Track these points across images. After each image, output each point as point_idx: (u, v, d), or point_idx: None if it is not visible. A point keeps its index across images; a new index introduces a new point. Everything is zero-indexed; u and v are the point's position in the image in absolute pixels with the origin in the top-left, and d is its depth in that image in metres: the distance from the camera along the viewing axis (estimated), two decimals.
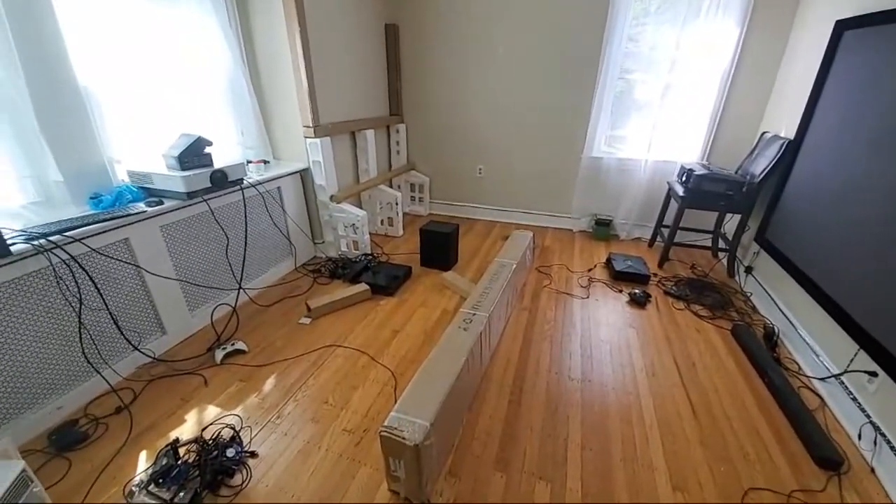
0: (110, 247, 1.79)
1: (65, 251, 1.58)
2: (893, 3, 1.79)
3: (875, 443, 1.52)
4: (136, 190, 1.98)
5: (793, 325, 2.19)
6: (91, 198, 1.87)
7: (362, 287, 2.61)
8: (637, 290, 2.65)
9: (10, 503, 1.09)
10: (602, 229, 3.65)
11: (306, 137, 2.81)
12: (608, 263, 3.07)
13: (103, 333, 1.81)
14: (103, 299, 1.77)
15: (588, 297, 2.69)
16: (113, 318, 1.82)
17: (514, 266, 2.45)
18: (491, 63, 3.54)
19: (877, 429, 1.54)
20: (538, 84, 3.47)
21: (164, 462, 1.39)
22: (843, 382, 1.77)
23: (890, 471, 1.45)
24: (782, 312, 2.30)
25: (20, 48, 1.57)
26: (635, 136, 3.42)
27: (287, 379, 1.93)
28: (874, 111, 1.80)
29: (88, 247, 1.68)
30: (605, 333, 2.31)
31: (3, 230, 1.42)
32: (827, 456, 1.52)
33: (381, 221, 3.75)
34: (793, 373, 2.00)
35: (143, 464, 1.50)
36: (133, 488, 1.35)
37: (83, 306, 1.70)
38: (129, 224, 1.82)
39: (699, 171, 2.74)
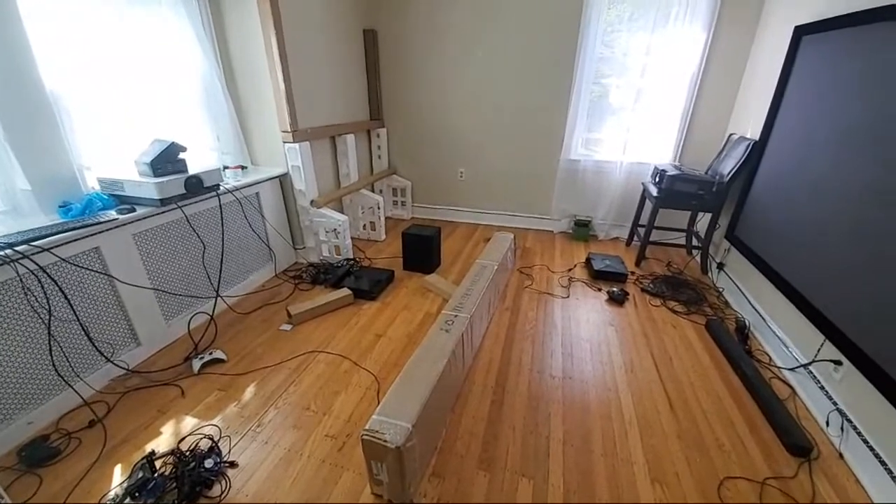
0: (80, 256, 1.74)
1: (32, 261, 1.53)
2: (845, 10, 1.89)
3: (842, 429, 1.59)
4: (107, 197, 1.93)
5: (763, 318, 2.27)
6: (60, 206, 1.82)
7: (344, 292, 2.60)
8: (615, 289, 2.71)
9: None
10: (581, 230, 3.72)
11: (285, 142, 2.78)
12: (587, 263, 3.13)
13: (74, 345, 1.76)
14: (74, 310, 1.72)
15: (568, 297, 2.73)
16: (84, 330, 1.77)
17: (496, 267, 2.48)
18: (469, 68, 3.58)
19: (843, 415, 1.60)
20: (516, 88, 3.53)
21: (139, 475, 1.36)
22: (811, 372, 1.84)
23: (857, 455, 1.51)
24: (752, 306, 2.38)
25: None
26: (611, 138, 3.50)
27: (267, 386, 1.91)
28: (832, 112, 1.89)
29: (57, 256, 1.63)
30: (585, 332, 2.35)
31: None
32: (797, 443, 1.58)
33: (363, 226, 3.74)
34: (764, 364, 2.07)
35: (118, 478, 1.46)
36: (108, 503, 1.31)
37: (53, 318, 1.64)
38: (99, 232, 1.77)
39: (671, 171, 2.83)
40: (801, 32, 2.23)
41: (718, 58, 2.99)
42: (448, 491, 1.42)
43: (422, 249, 3.00)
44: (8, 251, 1.45)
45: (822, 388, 1.76)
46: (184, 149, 2.09)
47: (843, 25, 1.89)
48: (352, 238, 3.24)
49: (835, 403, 1.67)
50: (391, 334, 2.31)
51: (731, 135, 3.00)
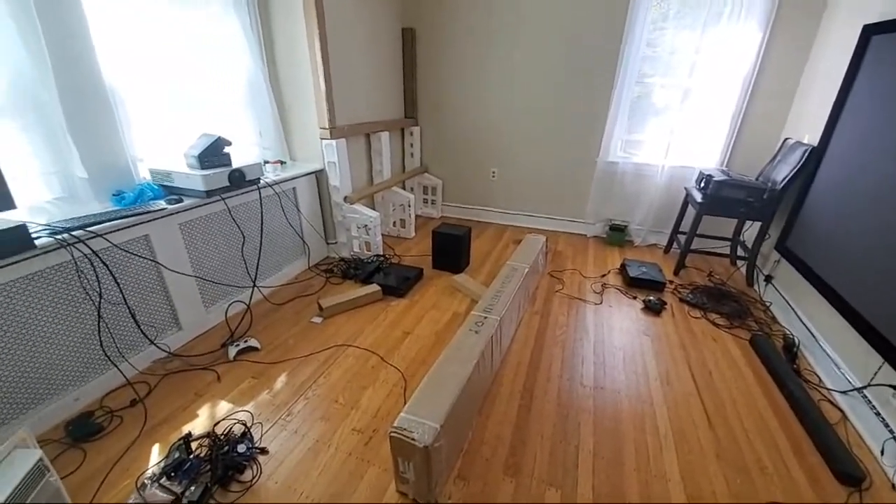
0: (131, 243, 1.83)
1: (87, 245, 1.62)
2: None
3: None
4: (157, 188, 2.02)
5: (813, 336, 2.13)
6: (114, 195, 1.92)
7: (374, 288, 2.62)
8: (652, 297, 2.61)
9: (25, 497, 1.11)
10: (616, 235, 3.61)
11: (322, 139, 2.83)
12: (622, 269, 3.03)
13: (121, 327, 1.85)
14: (122, 294, 1.81)
15: (601, 303, 2.65)
16: (131, 313, 1.85)
17: (527, 270, 2.44)
18: (506, 67, 3.53)
19: None
20: (554, 88, 3.46)
21: (176, 456, 1.40)
22: (865, 396, 1.71)
23: None
24: (803, 323, 2.24)
25: (51, 48, 1.62)
26: (652, 140, 3.38)
27: (298, 377, 1.95)
28: None
29: (110, 242, 1.71)
30: (618, 340, 2.27)
31: (28, 224, 1.46)
32: (848, 471, 1.47)
33: (394, 223, 3.77)
34: (813, 385, 1.95)
35: (155, 457, 1.52)
36: (145, 481, 1.36)
37: (102, 300, 1.73)
38: (149, 221, 1.86)
39: (718, 177, 2.69)
40: (870, 32, 2.07)
41: (775, 58, 2.82)
42: (473, 494, 1.41)
43: (451, 249, 2.98)
44: (65, 235, 1.54)
45: (877, 414, 1.63)
46: (229, 143, 2.16)
47: None
48: (382, 235, 3.27)
49: (891, 431, 1.54)
50: (419, 332, 2.31)
51: (786, 139, 2.83)
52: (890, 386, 1.59)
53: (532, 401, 1.83)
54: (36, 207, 1.76)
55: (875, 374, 1.68)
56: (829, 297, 2.00)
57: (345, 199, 2.99)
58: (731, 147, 3.13)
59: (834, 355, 1.96)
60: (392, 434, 1.26)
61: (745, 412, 1.78)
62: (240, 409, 1.75)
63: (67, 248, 1.56)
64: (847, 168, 2.07)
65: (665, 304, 2.60)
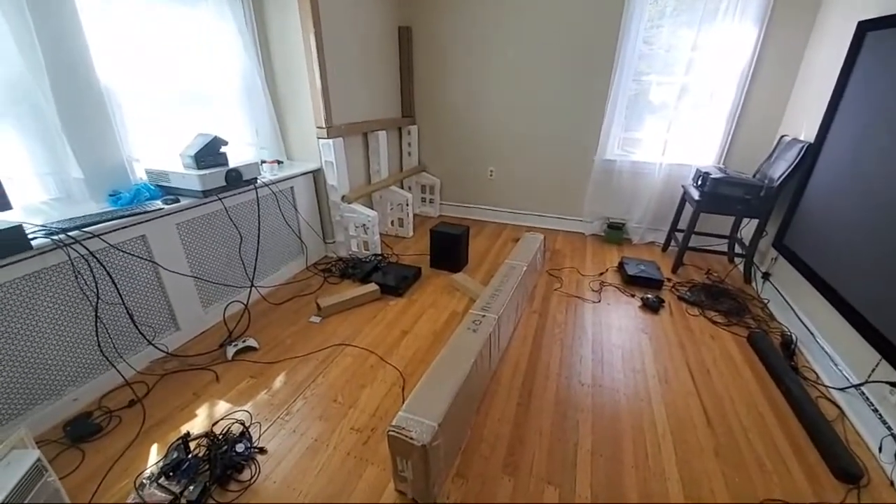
0: (127, 243, 1.82)
1: (83, 246, 1.62)
2: None
3: None
4: (153, 188, 2.02)
5: (811, 333, 2.13)
6: (110, 195, 1.91)
7: (372, 287, 2.62)
8: (650, 295, 2.61)
9: (23, 498, 1.11)
10: (614, 233, 3.61)
11: (319, 138, 2.83)
12: (620, 267, 3.03)
13: (119, 328, 1.85)
14: (119, 294, 1.80)
15: (599, 302, 2.65)
16: (128, 313, 1.85)
17: (525, 268, 2.44)
18: (503, 65, 3.53)
19: None
20: (551, 86, 3.45)
21: (174, 455, 1.41)
22: (863, 393, 1.71)
23: None
24: (800, 320, 2.25)
25: (44, 48, 1.61)
26: (650, 138, 3.38)
27: (296, 376, 1.94)
28: None
29: (106, 242, 1.71)
30: (616, 338, 2.28)
31: (24, 225, 1.45)
32: (846, 468, 1.47)
33: (392, 222, 3.77)
34: (811, 382, 1.95)
35: (154, 457, 1.52)
36: (144, 481, 1.36)
37: (100, 300, 1.73)
38: (146, 221, 1.85)
39: (715, 174, 2.70)
40: (865, 28, 2.07)
41: (771, 54, 2.83)
42: (472, 493, 1.41)
43: (450, 248, 2.98)
44: (61, 236, 1.53)
45: (875, 410, 1.63)
46: (225, 143, 2.16)
47: None
48: (380, 234, 3.27)
49: (889, 428, 1.55)
50: (417, 331, 2.31)
51: (782, 136, 2.83)
52: (887, 383, 1.59)
53: (530, 399, 1.83)
54: (32, 208, 1.75)
55: (872, 370, 1.68)
56: (827, 294, 2.01)
57: (342, 198, 2.99)
58: (728, 144, 3.13)
59: (832, 352, 1.96)
60: (390, 433, 1.26)
61: (744, 410, 1.79)
62: (238, 408, 1.75)
63: (64, 248, 1.56)
64: (843, 165, 2.07)
65: (663, 301, 2.60)
